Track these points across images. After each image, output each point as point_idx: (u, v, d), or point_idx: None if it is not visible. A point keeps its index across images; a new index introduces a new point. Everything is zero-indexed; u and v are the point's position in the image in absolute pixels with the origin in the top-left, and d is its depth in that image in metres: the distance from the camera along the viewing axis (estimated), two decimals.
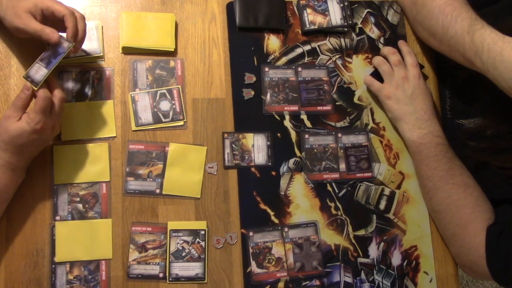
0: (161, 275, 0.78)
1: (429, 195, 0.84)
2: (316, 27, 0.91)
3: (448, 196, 0.80)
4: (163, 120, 0.83)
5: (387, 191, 0.87)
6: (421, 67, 0.88)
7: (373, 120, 0.90)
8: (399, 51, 0.89)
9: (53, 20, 0.71)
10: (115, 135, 0.81)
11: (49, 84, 0.72)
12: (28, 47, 0.81)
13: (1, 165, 0.70)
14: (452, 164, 0.81)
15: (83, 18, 0.74)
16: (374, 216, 0.86)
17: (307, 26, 0.90)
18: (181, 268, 0.78)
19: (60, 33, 0.71)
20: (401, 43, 0.90)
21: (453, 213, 0.80)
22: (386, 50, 0.88)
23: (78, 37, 0.72)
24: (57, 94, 0.71)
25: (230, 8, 0.88)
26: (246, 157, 0.84)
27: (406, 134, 0.85)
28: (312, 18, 0.91)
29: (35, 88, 0.69)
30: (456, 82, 0.88)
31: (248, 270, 0.80)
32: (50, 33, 0.69)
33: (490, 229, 0.77)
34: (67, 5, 0.72)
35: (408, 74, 0.85)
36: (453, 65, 0.79)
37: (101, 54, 0.82)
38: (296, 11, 0.91)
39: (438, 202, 0.82)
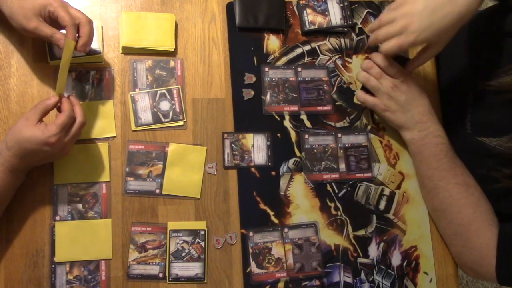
0: (161, 275, 0.78)
1: (430, 194, 0.84)
2: (316, 27, 0.91)
3: (450, 196, 0.80)
4: (163, 120, 0.83)
5: (387, 191, 0.87)
6: (405, 59, 0.83)
7: (373, 120, 0.90)
8: None
9: (57, 22, 0.71)
10: (115, 135, 0.81)
11: (74, 109, 0.73)
12: (28, 47, 0.81)
13: (1, 163, 0.70)
14: (453, 163, 0.81)
15: (89, 22, 0.74)
16: (374, 216, 0.86)
17: (307, 26, 0.90)
18: (181, 268, 0.78)
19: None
20: (373, 56, 0.83)
21: (455, 212, 0.80)
22: (364, 65, 0.83)
23: (81, 42, 0.72)
24: (79, 118, 0.73)
25: (230, 8, 0.88)
26: (246, 157, 0.84)
27: (407, 136, 0.84)
28: (312, 18, 0.91)
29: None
30: (482, 98, 0.83)
31: (248, 270, 0.80)
32: (60, 38, 0.70)
33: (504, 231, 0.76)
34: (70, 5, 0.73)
35: (395, 82, 0.81)
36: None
37: (101, 54, 0.82)
38: (296, 11, 0.91)
39: (440, 201, 0.82)
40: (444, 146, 0.81)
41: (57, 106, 0.73)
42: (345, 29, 0.92)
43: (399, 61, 0.83)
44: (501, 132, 0.77)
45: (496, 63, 0.79)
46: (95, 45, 0.82)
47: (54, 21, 0.71)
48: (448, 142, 0.82)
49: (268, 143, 0.85)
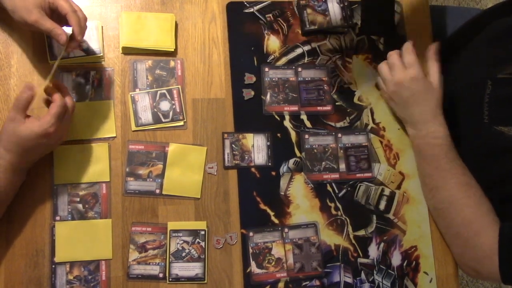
0: (161, 275, 0.78)
1: (431, 193, 0.84)
2: (316, 27, 0.91)
3: (451, 195, 0.80)
4: (163, 120, 0.83)
5: (387, 191, 0.87)
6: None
7: (373, 120, 0.90)
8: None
9: (58, 14, 0.72)
10: (115, 135, 0.81)
11: (62, 92, 0.72)
12: (28, 48, 0.81)
13: (2, 165, 0.70)
14: (454, 164, 0.81)
15: (84, 19, 0.74)
16: (374, 217, 0.86)
17: (307, 26, 0.90)
18: (181, 268, 0.78)
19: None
20: (405, 44, 0.86)
21: (457, 211, 0.79)
22: (388, 53, 0.86)
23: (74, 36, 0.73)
24: (69, 101, 0.73)
25: (230, 8, 0.88)
26: (246, 157, 0.84)
27: (409, 132, 0.86)
28: (312, 18, 0.91)
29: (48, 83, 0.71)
30: (501, 86, 0.81)
31: (248, 270, 0.80)
32: (60, 34, 0.70)
33: (505, 230, 0.75)
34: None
35: (405, 77, 0.82)
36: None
37: (101, 54, 0.82)
38: (296, 11, 0.91)
39: (440, 200, 0.82)
40: (443, 147, 0.81)
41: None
42: (345, 29, 0.92)
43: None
44: None
45: None
46: (95, 45, 0.82)
47: (54, 14, 0.72)
48: (449, 144, 0.82)
49: (268, 143, 0.85)
